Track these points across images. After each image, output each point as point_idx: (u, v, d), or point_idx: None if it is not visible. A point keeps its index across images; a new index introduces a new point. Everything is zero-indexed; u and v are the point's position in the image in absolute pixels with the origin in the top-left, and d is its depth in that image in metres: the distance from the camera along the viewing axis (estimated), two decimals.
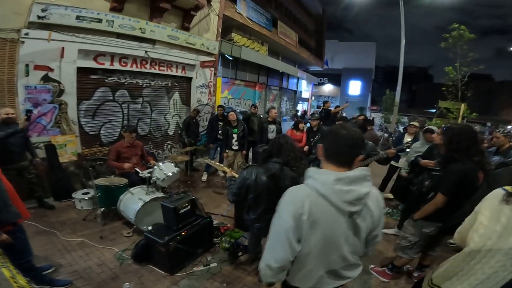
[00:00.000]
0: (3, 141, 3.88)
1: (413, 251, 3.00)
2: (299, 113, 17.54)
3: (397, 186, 5.21)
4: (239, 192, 2.70)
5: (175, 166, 4.56)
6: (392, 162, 5.68)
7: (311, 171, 1.43)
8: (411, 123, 6.23)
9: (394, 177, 5.80)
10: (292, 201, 1.38)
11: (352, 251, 1.46)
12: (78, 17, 5.03)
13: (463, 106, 12.78)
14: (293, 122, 7.32)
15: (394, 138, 5.99)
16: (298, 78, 17.80)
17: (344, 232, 1.39)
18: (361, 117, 6.79)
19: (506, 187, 1.46)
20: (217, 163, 3.63)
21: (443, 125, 4.95)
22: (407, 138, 5.59)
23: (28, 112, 4.08)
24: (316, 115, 6.32)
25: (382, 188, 6.27)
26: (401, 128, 14.83)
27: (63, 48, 4.97)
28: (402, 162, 5.42)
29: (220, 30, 8.95)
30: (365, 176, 1.38)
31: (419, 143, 4.68)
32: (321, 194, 1.33)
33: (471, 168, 2.40)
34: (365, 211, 1.40)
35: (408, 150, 4.54)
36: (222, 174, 6.82)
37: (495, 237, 1.42)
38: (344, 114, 8.07)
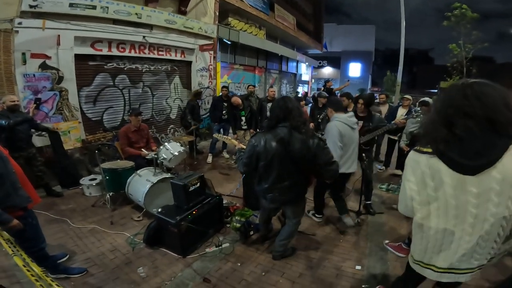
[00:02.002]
0: (12, 129, 3.88)
1: None
2: (299, 95, 17.42)
3: (402, 161, 5.19)
4: (250, 161, 2.61)
5: (181, 146, 4.50)
6: (390, 136, 5.82)
7: (336, 115, 3.33)
8: (404, 96, 6.21)
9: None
10: (335, 126, 3.22)
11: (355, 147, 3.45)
12: (71, 5, 4.92)
13: None
14: None
15: (387, 113, 5.99)
16: (297, 61, 17.61)
17: (354, 138, 3.40)
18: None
19: (416, 148, 1.39)
20: (225, 136, 3.60)
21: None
22: (401, 111, 5.65)
23: (37, 100, 4.27)
24: (324, 93, 6.80)
25: (387, 163, 6.29)
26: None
27: (58, 35, 4.89)
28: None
29: (217, 13, 8.78)
30: (353, 114, 3.49)
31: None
32: (343, 122, 3.26)
33: None
34: (356, 130, 3.45)
35: (418, 119, 4.49)
36: (226, 155, 6.95)
37: (433, 201, 1.34)
38: None
